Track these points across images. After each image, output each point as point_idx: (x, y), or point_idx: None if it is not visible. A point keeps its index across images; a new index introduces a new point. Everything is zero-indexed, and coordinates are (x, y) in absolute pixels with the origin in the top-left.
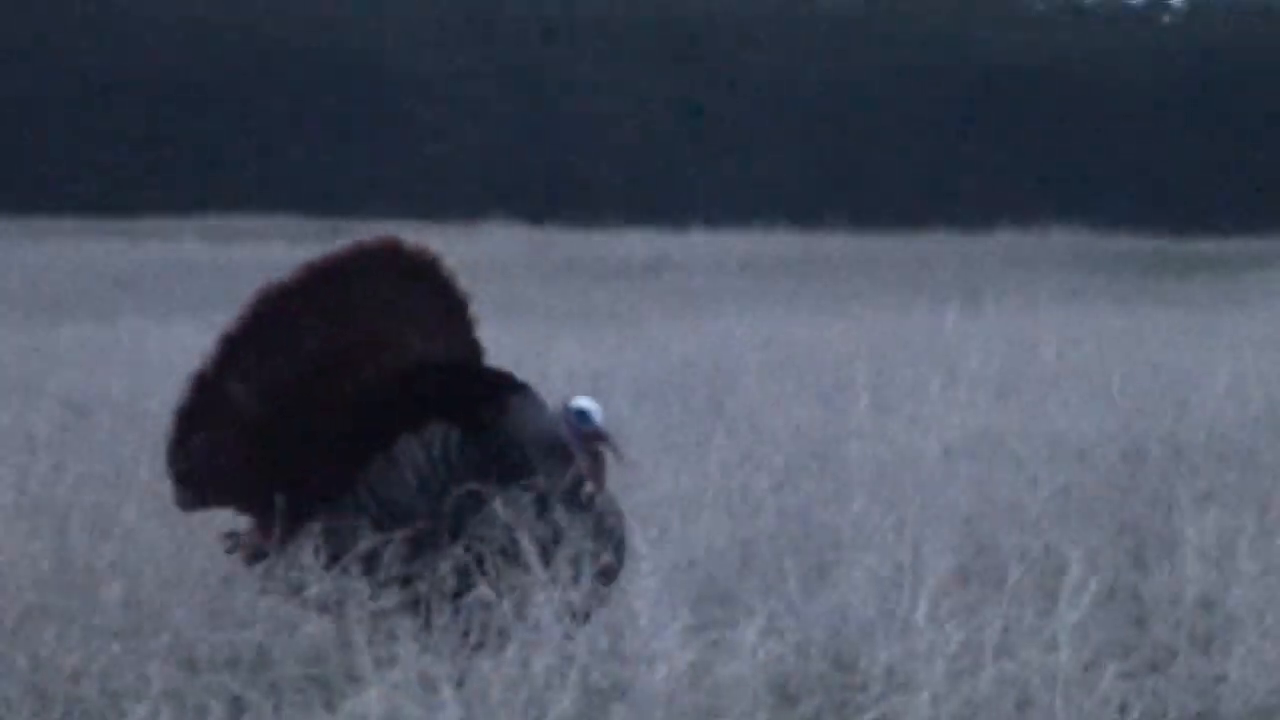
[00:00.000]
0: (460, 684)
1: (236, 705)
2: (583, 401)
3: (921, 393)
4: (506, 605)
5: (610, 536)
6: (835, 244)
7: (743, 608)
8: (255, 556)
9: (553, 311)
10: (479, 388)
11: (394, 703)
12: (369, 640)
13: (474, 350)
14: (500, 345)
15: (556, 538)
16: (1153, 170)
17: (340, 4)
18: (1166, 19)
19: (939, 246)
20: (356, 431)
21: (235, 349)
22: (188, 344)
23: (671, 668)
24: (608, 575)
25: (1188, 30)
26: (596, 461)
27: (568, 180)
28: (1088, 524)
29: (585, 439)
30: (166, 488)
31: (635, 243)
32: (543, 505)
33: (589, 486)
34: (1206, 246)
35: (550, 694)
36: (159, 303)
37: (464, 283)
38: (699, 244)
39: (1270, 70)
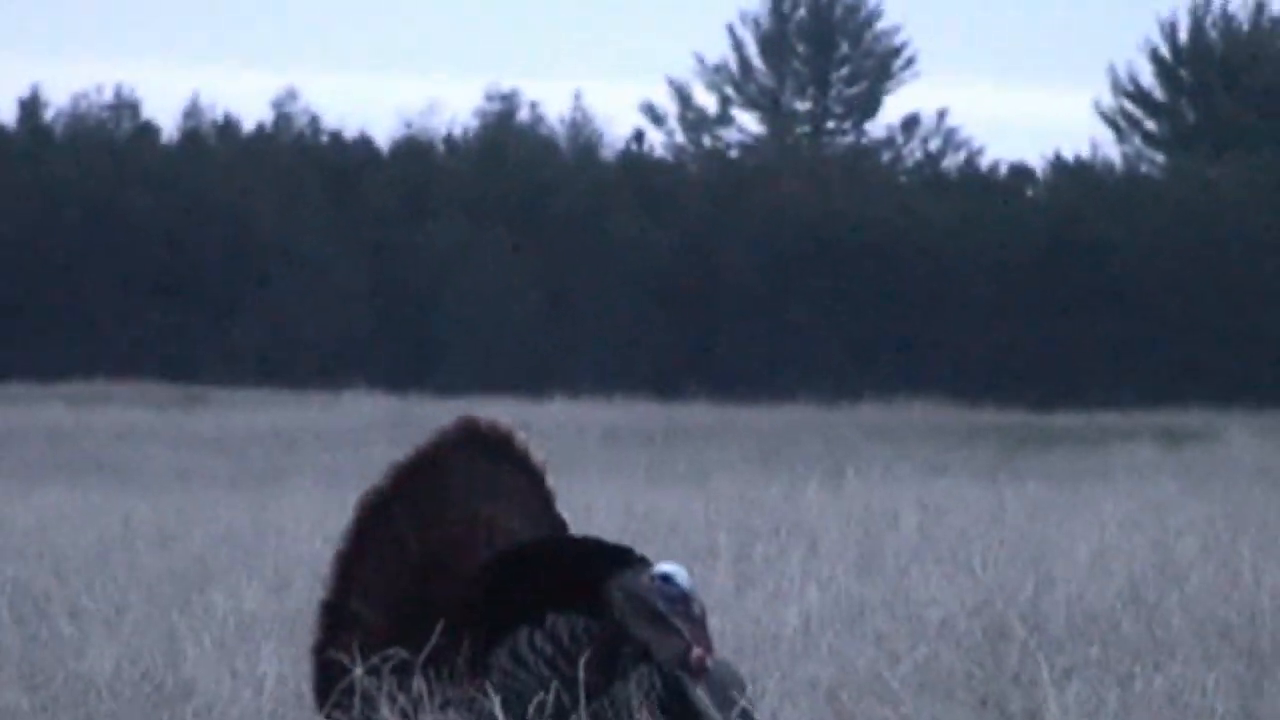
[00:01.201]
0: None
1: None
2: (667, 566)
3: (782, 564)
4: None
5: (731, 706)
6: (696, 414)
7: None
8: None
9: None
10: (597, 565)
11: None
12: None
13: (558, 523)
14: None
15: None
16: (1015, 343)
17: (202, 171)
18: (1030, 191)
19: (801, 418)
20: (477, 622)
21: (350, 566)
22: (53, 509)
23: None
24: None
25: (1051, 200)
26: (696, 625)
27: (428, 349)
28: (948, 698)
29: (674, 603)
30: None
31: (495, 411)
32: (671, 682)
33: (697, 654)
34: (1068, 420)
35: None
36: (24, 468)
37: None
38: (559, 412)
39: (1133, 243)
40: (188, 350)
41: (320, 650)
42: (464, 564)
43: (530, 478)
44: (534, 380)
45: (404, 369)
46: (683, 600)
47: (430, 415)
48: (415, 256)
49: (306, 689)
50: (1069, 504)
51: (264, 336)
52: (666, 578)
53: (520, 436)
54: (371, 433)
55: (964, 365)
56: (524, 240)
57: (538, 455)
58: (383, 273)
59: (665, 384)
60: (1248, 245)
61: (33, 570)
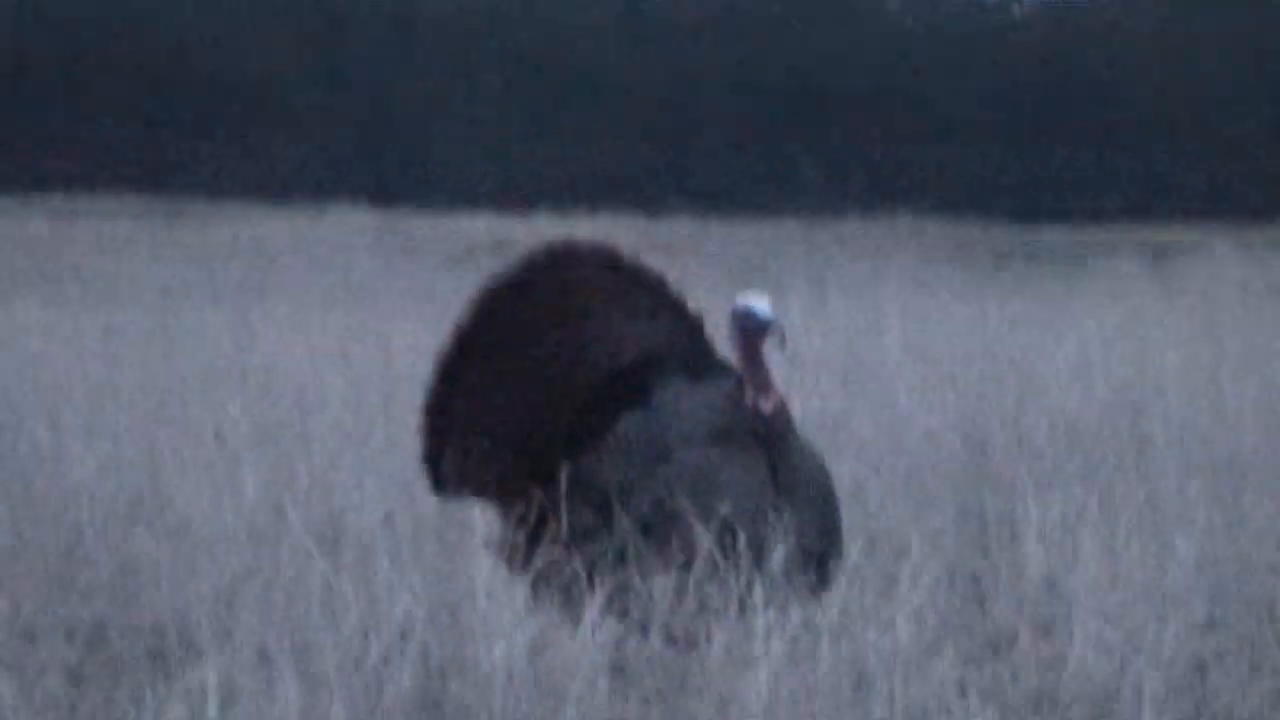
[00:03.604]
0: (298, 658)
1: (75, 677)
2: (750, 299)
3: None
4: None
5: (812, 509)
6: (679, 230)
7: (581, 586)
8: (510, 562)
9: (396, 294)
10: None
11: (232, 676)
12: (207, 615)
13: (693, 325)
14: (343, 327)
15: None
16: (999, 158)
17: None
18: (1017, 11)
19: (783, 233)
20: (582, 419)
21: (471, 340)
22: (32, 322)
23: (510, 645)
24: (817, 559)
25: (1040, 20)
26: (759, 369)
27: (411, 163)
28: (930, 508)
29: (751, 335)
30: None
31: (479, 226)
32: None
33: (751, 396)
34: (1052, 235)
35: (388, 670)
36: (3, 280)
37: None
38: (543, 228)
39: (1121, 61)
40: (169, 165)
41: (435, 409)
42: (583, 365)
43: (649, 287)
44: (516, 196)
45: (387, 185)
46: (761, 331)
47: (414, 229)
48: (396, 72)
49: (287, 500)
50: (1052, 317)
51: (246, 150)
52: (749, 312)
53: (627, 252)
54: (354, 246)
55: (948, 181)
56: (506, 56)
57: (652, 270)
58: (364, 88)
59: (648, 200)
60: (1234, 59)
61: (11, 381)
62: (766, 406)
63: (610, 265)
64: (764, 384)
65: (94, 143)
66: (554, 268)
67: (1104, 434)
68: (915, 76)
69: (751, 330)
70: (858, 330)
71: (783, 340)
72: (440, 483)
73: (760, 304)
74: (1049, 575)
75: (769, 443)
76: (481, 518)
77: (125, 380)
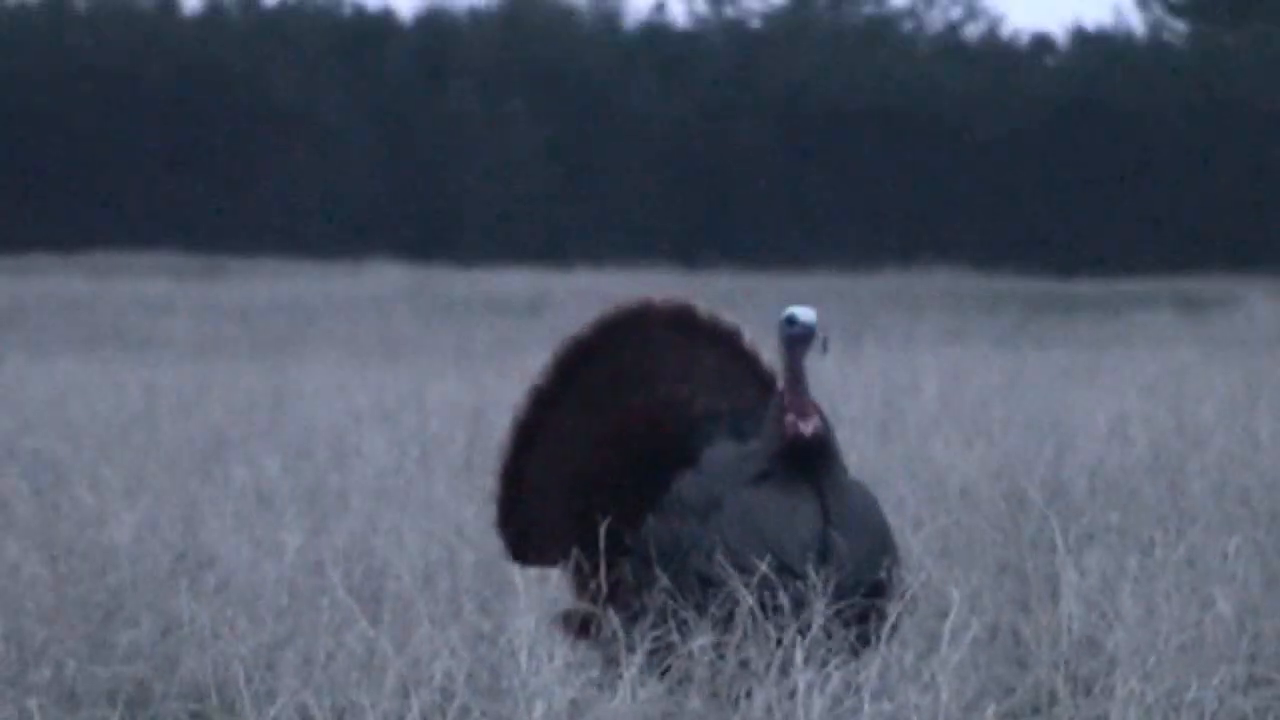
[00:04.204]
0: (339, 719)
1: None
2: (794, 308)
3: None
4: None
5: (864, 535)
6: (717, 283)
7: (622, 645)
8: (581, 632)
9: (433, 350)
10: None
11: None
12: (248, 676)
13: (761, 379)
14: (381, 383)
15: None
16: (1037, 210)
17: (223, 41)
18: (1050, 61)
19: (821, 286)
20: (647, 484)
21: (546, 402)
22: (72, 381)
23: (550, 705)
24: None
25: (1070, 69)
26: (799, 392)
27: (449, 218)
28: (969, 564)
29: (794, 344)
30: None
31: (517, 281)
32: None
33: (790, 422)
34: (1089, 287)
35: None
36: (42, 340)
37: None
38: (581, 282)
39: (1153, 111)
40: (207, 221)
41: (510, 474)
42: (653, 429)
43: (722, 348)
44: (554, 250)
45: (424, 239)
46: (805, 338)
47: (451, 284)
48: (435, 127)
49: (327, 559)
50: (1089, 371)
51: (284, 206)
52: (791, 319)
53: (702, 308)
54: (392, 302)
55: (984, 233)
56: (543, 110)
57: (726, 323)
58: (402, 143)
59: (685, 254)
60: (1268, 112)
61: (52, 442)
62: (806, 429)
63: (685, 323)
64: (804, 405)
65: (132, 200)
66: (627, 328)
67: (1142, 488)
68: (951, 126)
69: (795, 338)
70: (894, 384)
71: (825, 347)
72: (517, 552)
73: (804, 311)
74: (1089, 633)
75: (812, 468)
76: (521, 577)
77: (165, 439)
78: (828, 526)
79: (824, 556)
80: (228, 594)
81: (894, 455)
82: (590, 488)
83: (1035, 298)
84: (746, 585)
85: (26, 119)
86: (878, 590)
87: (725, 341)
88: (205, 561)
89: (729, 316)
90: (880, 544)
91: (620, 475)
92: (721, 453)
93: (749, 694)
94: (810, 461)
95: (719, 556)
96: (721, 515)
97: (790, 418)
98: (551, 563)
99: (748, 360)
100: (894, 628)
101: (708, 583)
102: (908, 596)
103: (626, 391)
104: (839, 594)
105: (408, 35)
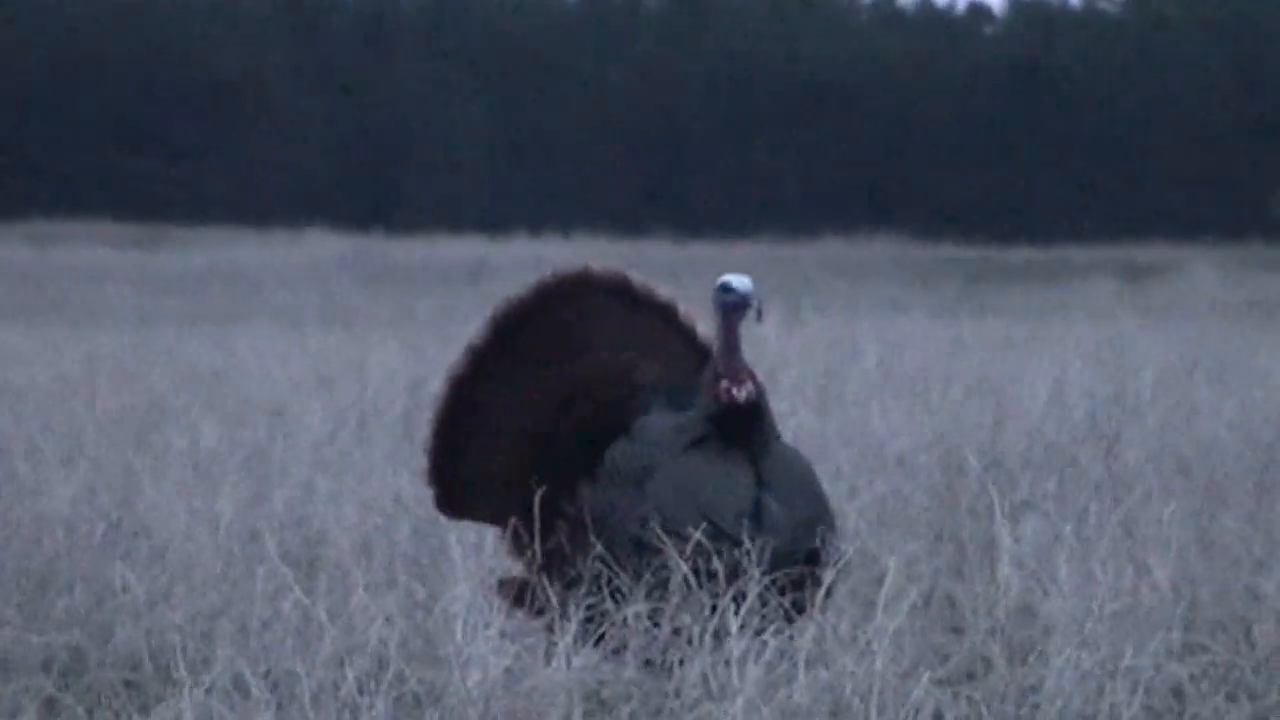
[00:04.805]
0: (274, 688)
1: (51, 708)
2: (729, 277)
3: None
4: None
5: (799, 497)
6: (657, 251)
7: (557, 613)
8: (518, 600)
9: (373, 318)
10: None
11: (208, 707)
12: (183, 645)
13: (697, 352)
14: (320, 352)
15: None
16: (976, 179)
17: (167, 9)
18: (988, 29)
19: (761, 254)
20: (583, 452)
21: (482, 361)
22: (10, 349)
23: (486, 673)
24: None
25: (1008, 38)
26: (734, 359)
27: (390, 187)
28: (906, 532)
29: (729, 312)
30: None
31: (457, 249)
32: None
33: (724, 387)
34: (1029, 256)
35: (364, 698)
36: None
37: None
38: (522, 251)
39: (1090, 79)
40: (148, 189)
41: (445, 422)
42: (590, 396)
43: (659, 320)
44: (496, 219)
45: (366, 209)
46: (740, 306)
47: (392, 254)
48: (376, 96)
49: (264, 527)
50: (1028, 339)
51: (225, 175)
52: (726, 287)
53: (638, 279)
54: (333, 271)
55: (924, 202)
56: (485, 79)
57: (663, 295)
58: (344, 111)
59: (626, 222)
60: (1204, 82)
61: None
62: (740, 395)
63: (622, 292)
64: (737, 371)
65: (73, 169)
66: (565, 295)
67: (1080, 456)
68: (889, 96)
69: (729, 306)
70: (833, 351)
71: (760, 315)
72: (445, 502)
73: (740, 280)
74: (1025, 600)
75: (746, 434)
76: (458, 545)
77: (104, 407)
78: (762, 492)
79: (758, 522)
80: (164, 563)
81: (833, 423)
82: (524, 449)
83: (975, 266)
84: (681, 552)
85: None
86: (813, 558)
87: (662, 313)
88: (141, 530)
89: (666, 289)
90: (815, 510)
91: (554, 439)
92: (657, 421)
93: (683, 662)
94: (744, 427)
95: (653, 523)
96: (655, 482)
97: (724, 384)
98: (482, 518)
99: (684, 333)
100: (829, 594)
101: (642, 549)
102: (843, 563)
103: (564, 355)
104: (774, 561)
105: (350, 3)
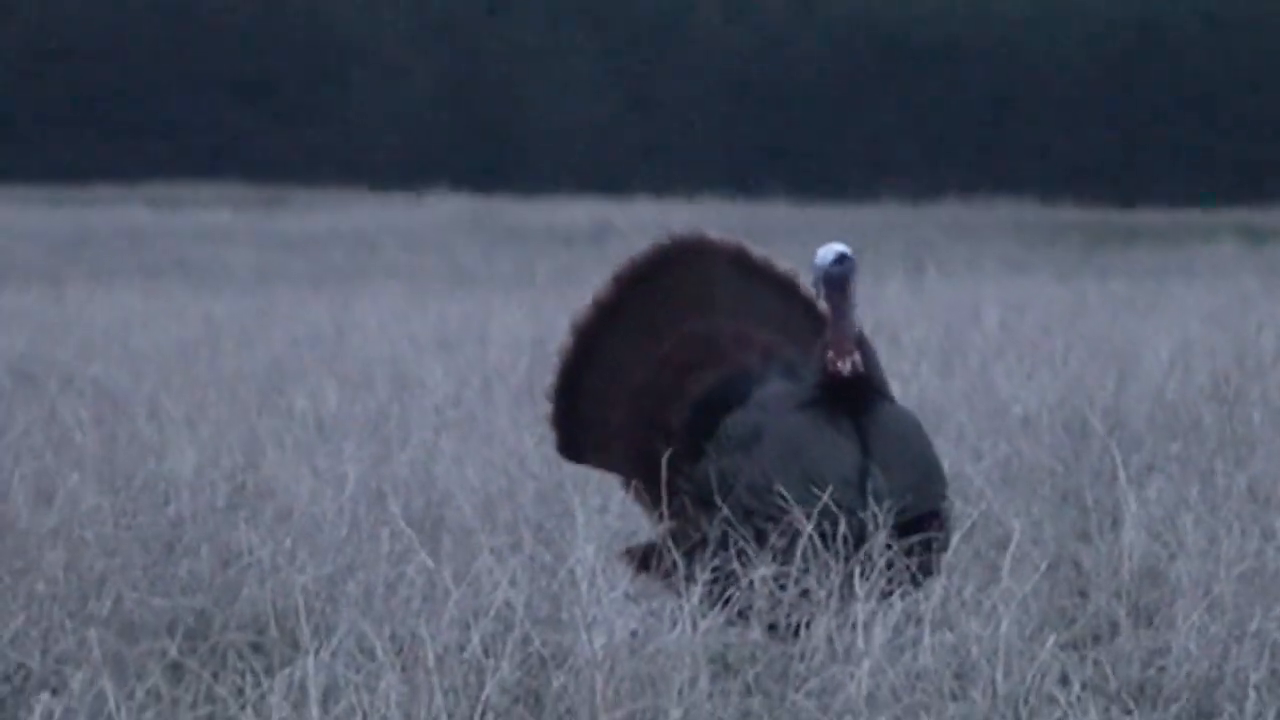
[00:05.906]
0: (399, 650)
1: (176, 672)
2: (833, 245)
3: None
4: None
5: (906, 471)
6: (777, 214)
7: (682, 576)
8: (643, 563)
9: (494, 280)
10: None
11: (333, 670)
12: (308, 607)
13: (815, 328)
14: (442, 313)
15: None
16: (1098, 141)
17: None
18: None
19: (881, 217)
20: (703, 416)
21: (607, 314)
22: (133, 311)
23: (611, 636)
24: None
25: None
26: (839, 328)
27: (510, 148)
28: (1030, 495)
29: (828, 288)
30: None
31: (578, 210)
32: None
33: (830, 360)
34: (1151, 218)
35: (489, 661)
36: (105, 269)
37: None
38: (642, 212)
39: (1213, 41)
40: (269, 151)
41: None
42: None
43: (780, 291)
44: (616, 180)
45: (486, 169)
46: (835, 282)
47: (512, 214)
48: (496, 57)
49: (388, 490)
50: (1150, 301)
51: (345, 137)
52: (841, 257)
53: (757, 251)
54: (453, 232)
55: (1046, 164)
56: (605, 40)
57: (783, 268)
58: (463, 72)
59: (745, 183)
60: None
61: (113, 371)
62: (845, 368)
63: (740, 261)
64: (842, 344)
65: (194, 132)
66: (684, 262)
67: (1204, 418)
68: (1009, 55)
69: (829, 281)
70: (956, 314)
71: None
72: (566, 447)
73: (824, 251)
74: (1150, 563)
75: (851, 404)
76: (581, 508)
77: (226, 369)
78: (866, 459)
79: (862, 489)
80: (288, 525)
81: (955, 385)
82: (645, 404)
83: (1097, 228)
84: (787, 516)
85: (89, 51)
86: (924, 522)
87: (781, 285)
88: (265, 492)
89: (785, 262)
90: (925, 474)
91: (674, 399)
92: (771, 389)
93: (809, 624)
94: (848, 397)
95: (759, 485)
96: (761, 446)
97: (830, 355)
98: (603, 466)
99: (805, 306)
100: (952, 557)
101: (750, 513)
102: (966, 526)
103: (686, 317)
104: (890, 526)
105: None
